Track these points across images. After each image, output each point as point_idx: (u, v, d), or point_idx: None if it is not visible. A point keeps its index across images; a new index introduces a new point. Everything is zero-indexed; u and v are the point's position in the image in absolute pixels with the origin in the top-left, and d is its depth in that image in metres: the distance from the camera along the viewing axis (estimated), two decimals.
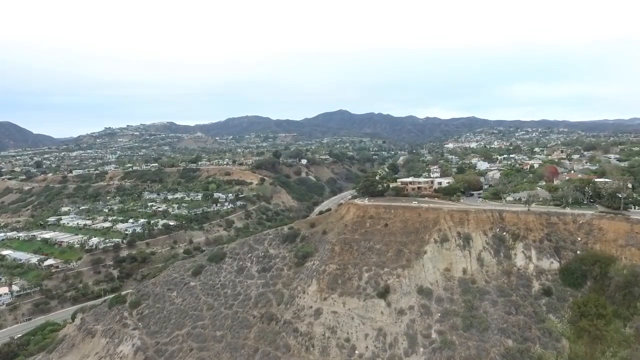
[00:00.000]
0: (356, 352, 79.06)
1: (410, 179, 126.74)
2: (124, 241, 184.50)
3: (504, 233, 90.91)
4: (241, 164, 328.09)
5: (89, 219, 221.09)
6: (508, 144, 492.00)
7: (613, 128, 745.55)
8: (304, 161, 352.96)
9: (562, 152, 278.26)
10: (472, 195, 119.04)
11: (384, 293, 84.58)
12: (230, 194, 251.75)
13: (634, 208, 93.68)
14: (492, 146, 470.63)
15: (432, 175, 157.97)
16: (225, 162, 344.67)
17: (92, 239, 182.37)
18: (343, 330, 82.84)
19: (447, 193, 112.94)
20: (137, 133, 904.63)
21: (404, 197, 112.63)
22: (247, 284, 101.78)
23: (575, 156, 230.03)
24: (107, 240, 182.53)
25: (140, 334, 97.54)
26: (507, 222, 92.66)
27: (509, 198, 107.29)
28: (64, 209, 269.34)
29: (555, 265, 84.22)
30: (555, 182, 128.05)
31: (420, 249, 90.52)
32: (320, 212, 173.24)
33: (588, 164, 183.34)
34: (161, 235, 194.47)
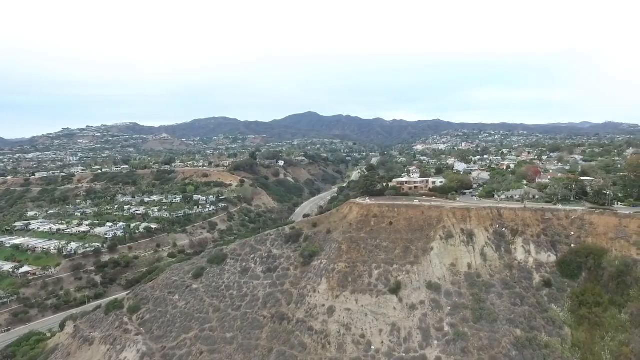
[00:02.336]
0: (372, 347, 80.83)
1: (406, 179, 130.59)
2: (105, 245, 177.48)
3: (504, 229, 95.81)
4: (218, 166, 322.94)
5: (62, 224, 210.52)
6: (474, 145, 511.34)
7: (567, 131, 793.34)
8: (281, 163, 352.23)
9: (529, 153, 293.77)
10: (464, 194, 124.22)
11: (395, 289, 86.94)
12: (211, 196, 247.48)
13: (617, 204, 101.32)
14: (460, 148, 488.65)
15: (412, 176, 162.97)
16: (201, 164, 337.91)
17: (71, 244, 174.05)
18: (357, 326, 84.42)
19: (443, 192, 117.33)
20: (99, 134, 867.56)
21: (402, 196, 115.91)
22: (253, 284, 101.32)
23: (545, 157, 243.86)
24: (86, 245, 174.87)
25: (144, 339, 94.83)
26: (505, 218, 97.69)
27: (502, 196, 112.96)
28: (30, 213, 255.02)
29: (553, 258, 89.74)
30: (538, 181, 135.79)
31: (426, 246, 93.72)
32: (306, 215, 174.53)
33: (559, 164, 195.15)
34: (143, 239, 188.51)
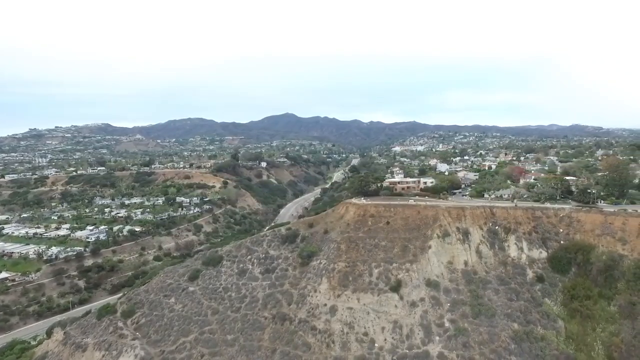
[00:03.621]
0: (376, 345, 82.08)
1: (398, 179, 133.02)
2: (87, 249, 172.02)
3: (497, 227, 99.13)
4: (199, 167, 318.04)
5: (38, 227, 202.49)
6: (451, 147, 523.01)
7: (537, 133, 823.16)
8: (263, 164, 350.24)
9: (506, 154, 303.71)
10: (454, 193, 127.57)
11: (396, 287, 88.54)
12: (195, 198, 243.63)
13: (600, 202, 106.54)
14: (438, 149, 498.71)
15: (396, 176, 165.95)
16: (181, 166, 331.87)
17: (52, 249, 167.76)
18: (360, 325, 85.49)
19: (435, 191, 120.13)
20: (69, 135, 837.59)
21: (396, 196, 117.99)
22: (251, 286, 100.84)
23: (522, 158, 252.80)
24: (68, 249, 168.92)
25: (142, 343, 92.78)
26: (498, 217, 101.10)
27: (492, 195, 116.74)
28: (1, 217, 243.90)
29: (544, 254, 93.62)
30: (522, 181, 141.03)
31: (424, 244, 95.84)
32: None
33: (538, 164, 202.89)
34: (127, 242, 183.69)
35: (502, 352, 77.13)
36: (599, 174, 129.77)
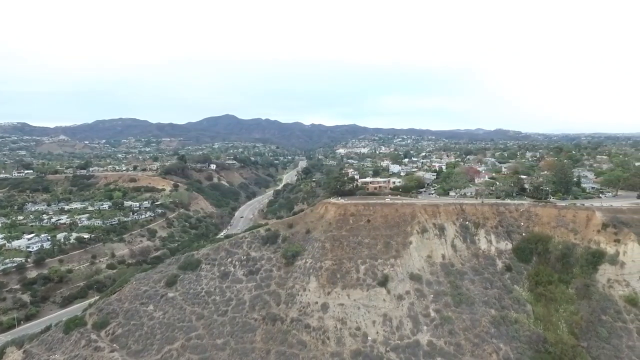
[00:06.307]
0: (369, 338, 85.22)
1: (370, 179, 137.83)
2: (29, 260, 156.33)
3: (467, 222, 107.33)
4: (145, 170, 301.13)
5: None
6: (392, 149, 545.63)
7: (467, 136, 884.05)
8: (213, 166, 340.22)
9: (447, 156, 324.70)
10: (420, 192, 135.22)
11: (383, 282, 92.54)
12: (145, 202, 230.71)
13: (551, 198, 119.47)
14: (381, 151, 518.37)
15: (354, 176, 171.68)
16: (124, 168, 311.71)
17: None
18: (352, 320, 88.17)
19: (405, 190, 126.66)
20: None
21: (371, 195, 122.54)
22: (236, 288, 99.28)
23: (462, 159, 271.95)
24: (6, 261, 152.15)
25: (122, 355, 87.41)
26: (467, 213, 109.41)
27: (458, 194, 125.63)
28: None
29: (509, 246, 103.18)
30: (477, 180, 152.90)
31: (405, 240, 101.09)
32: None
33: (482, 165, 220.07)
34: (75, 250, 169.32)
35: (484, 336, 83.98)
36: (542, 172, 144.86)
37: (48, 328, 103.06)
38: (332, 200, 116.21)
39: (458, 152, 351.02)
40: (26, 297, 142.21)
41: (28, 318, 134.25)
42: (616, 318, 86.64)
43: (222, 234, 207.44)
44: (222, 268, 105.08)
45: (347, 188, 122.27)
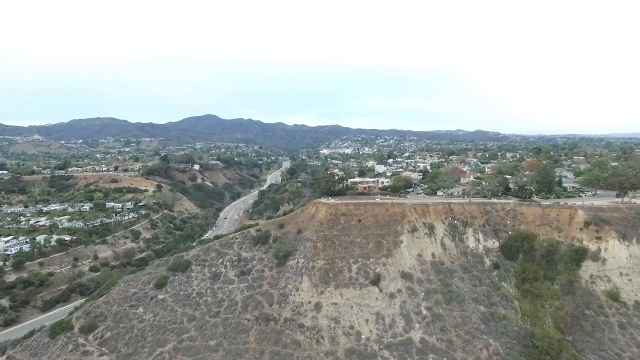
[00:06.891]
0: (362, 336, 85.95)
1: (359, 179, 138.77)
2: (7, 263, 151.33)
3: (456, 221, 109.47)
4: (126, 170, 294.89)
5: None
6: (375, 150, 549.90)
7: (447, 137, 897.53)
8: (196, 166, 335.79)
9: (431, 156, 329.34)
10: (408, 192, 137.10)
11: (376, 280, 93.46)
12: (128, 203, 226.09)
13: (534, 197, 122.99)
14: (364, 152, 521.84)
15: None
16: (104, 169, 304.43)
17: None
18: (345, 319, 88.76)
19: (393, 190, 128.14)
20: None
21: (361, 194, 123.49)
22: (228, 289, 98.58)
23: (449, 159, 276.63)
24: None
25: (112, 358, 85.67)
26: (456, 212, 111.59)
27: (446, 193, 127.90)
28: None
29: (497, 244, 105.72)
30: (463, 180, 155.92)
31: (396, 239, 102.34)
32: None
33: (466, 165, 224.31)
34: (56, 253, 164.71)
35: (475, 333, 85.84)
36: (526, 172, 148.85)
37: (32, 333, 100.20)
38: (323, 200, 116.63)
39: (440, 153, 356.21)
40: (5, 302, 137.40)
41: (7, 323, 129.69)
42: (599, 312, 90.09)
43: (207, 234, 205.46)
44: (213, 269, 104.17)
45: (337, 188, 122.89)
